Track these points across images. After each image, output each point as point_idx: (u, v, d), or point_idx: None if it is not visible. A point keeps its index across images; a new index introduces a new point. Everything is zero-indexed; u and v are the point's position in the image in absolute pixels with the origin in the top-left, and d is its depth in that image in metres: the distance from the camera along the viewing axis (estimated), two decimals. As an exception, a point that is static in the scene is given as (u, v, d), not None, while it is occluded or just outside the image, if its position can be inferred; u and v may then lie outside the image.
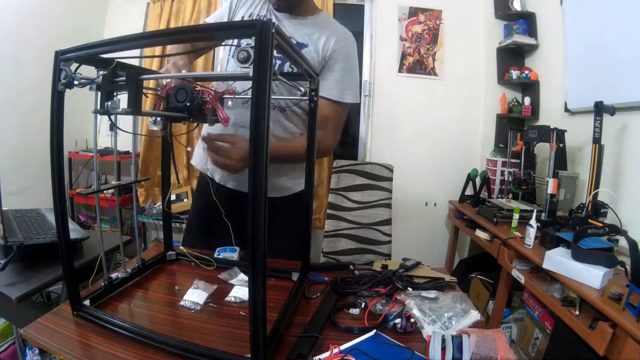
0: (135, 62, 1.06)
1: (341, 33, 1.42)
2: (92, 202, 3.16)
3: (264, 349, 0.74)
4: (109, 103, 0.81)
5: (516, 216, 2.04)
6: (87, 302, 0.96)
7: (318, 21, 1.43)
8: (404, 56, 3.13)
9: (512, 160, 2.58)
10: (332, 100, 1.37)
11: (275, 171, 1.46)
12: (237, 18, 1.44)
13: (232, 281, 1.17)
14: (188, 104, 0.90)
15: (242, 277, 1.19)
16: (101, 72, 0.86)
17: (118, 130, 0.92)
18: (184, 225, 3.08)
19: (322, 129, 1.35)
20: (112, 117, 0.85)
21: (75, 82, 0.83)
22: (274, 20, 1.35)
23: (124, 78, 0.84)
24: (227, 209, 1.31)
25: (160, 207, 2.12)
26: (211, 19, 1.59)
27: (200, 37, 0.75)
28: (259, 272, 0.70)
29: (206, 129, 1.32)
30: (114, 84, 0.84)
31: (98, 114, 0.84)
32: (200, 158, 1.54)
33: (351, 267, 1.30)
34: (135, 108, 0.83)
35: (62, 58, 0.84)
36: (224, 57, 1.53)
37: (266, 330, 0.75)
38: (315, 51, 1.37)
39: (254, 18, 1.40)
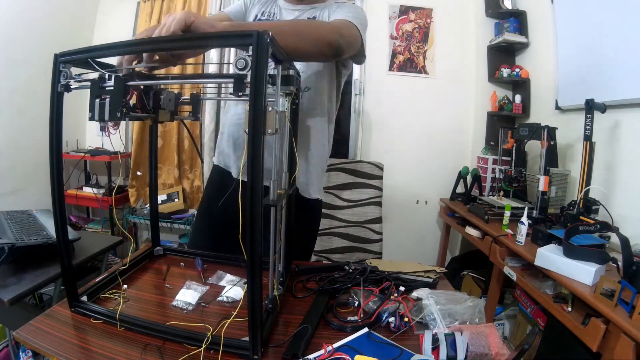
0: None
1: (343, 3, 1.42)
2: (83, 202, 3.13)
3: (261, 329, 0.79)
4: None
5: (507, 213, 2.05)
6: (84, 298, 0.97)
7: (324, 5, 1.42)
8: (394, 54, 3.13)
9: (503, 158, 2.60)
10: (344, 19, 1.27)
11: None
12: (251, 16, 1.45)
13: (222, 283, 1.16)
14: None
15: (229, 277, 1.18)
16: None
17: (108, 130, 0.91)
18: (175, 226, 3.07)
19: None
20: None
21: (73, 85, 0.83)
22: (284, 13, 1.42)
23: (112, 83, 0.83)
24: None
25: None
26: (228, 11, 1.51)
27: (202, 45, 0.79)
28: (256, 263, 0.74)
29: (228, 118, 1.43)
30: (102, 89, 0.83)
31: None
32: (220, 152, 1.51)
33: (346, 267, 1.30)
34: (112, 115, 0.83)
35: (61, 60, 0.85)
36: None
37: (262, 310, 0.80)
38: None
39: (265, 17, 1.43)
